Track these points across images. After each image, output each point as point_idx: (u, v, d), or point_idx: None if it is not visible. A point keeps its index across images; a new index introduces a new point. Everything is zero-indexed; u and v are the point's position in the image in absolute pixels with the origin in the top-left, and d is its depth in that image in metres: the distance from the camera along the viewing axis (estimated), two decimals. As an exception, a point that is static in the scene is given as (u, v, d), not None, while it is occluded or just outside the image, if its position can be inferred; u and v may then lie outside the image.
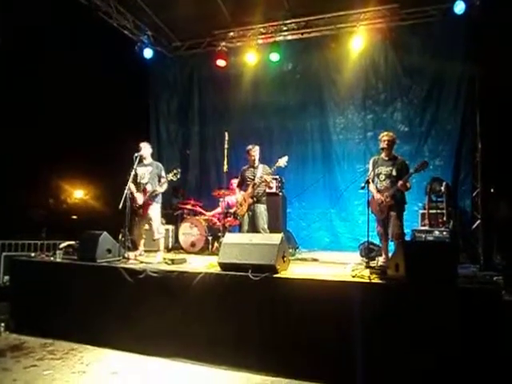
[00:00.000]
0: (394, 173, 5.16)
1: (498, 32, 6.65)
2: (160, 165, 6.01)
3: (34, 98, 10.64)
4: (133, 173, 5.72)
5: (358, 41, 7.91)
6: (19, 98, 10.11)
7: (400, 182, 5.01)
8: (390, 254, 5.07)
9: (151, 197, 5.77)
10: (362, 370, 3.66)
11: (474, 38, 7.12)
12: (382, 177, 5.24)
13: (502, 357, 3.36)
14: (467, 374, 3.41)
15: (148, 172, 5.86)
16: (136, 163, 5.74)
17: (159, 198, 5.95)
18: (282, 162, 5.83)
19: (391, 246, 5.36)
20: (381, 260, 5.28)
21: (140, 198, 5.76)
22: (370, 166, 5.40)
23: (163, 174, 5.85)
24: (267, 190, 6.28)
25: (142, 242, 6.03)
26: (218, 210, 7.55)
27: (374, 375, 3.66)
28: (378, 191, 5.23)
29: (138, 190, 5.81)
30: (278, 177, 7.57)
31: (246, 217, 6.01)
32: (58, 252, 5.57)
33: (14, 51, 9.39)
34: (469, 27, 7.19)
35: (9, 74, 9.27)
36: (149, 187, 5.78)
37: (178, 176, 5.76)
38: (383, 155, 5.33)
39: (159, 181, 5.84)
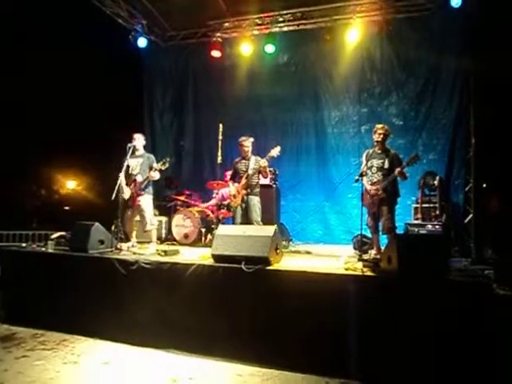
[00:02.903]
0: (386, 165, 5.19)
1: (494, 26, 6.65)
2: (152, 156, 5.98)
3: (25, 88, 10.52)
4: (125, 164, 5.69)
5: (354, 33, 7.87)
6: (10, 89, 9.99)
7: (397, 169, 5.03)
8: (382, 247, 5.11)
9: (142, 187, 5.74)
10: (355, 361, 3.69)
11: (470, 31, 7.12)
12: (374, 169, 5.27)
13: (494, 349, 3.39)
14: (460, 366, 3.44)
15: (139, 163, 5.84)
16: (129, 154, 5.71)
17: (150, 189, 5.92)
18: (275, 151, 5.80)
19: (383, 239, 5.40)
20: (373, 253, 5.32)
21: (127, 193, 5.73)
22: (363, 159, 5.42)
23: (155, 164, 5.82)
24: (261, 182, 6.26)
25: (134, 233, 6.00)
26: (213, 201, 7.53)
27: (367, 367, 3.68)
28: (371, 184, 5.26)
29: (128, 181, 5.79)
30: (272, 169, 7.55)
31: (239, 209, 5.99)
32: (49, 242, 5.52)
33: (3, 38, 9.27)
34: (465, 21, 7.17)
35: (4, 65, 9.16)
36: (139, 178, 5.76)
37: (167, 165, 5.74)
38: (376, 148, 5.35)
39: (150, 172, 5.81)
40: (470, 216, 7.20)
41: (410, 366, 3.56)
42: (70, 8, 8.79)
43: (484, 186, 7.88)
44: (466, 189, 7.36)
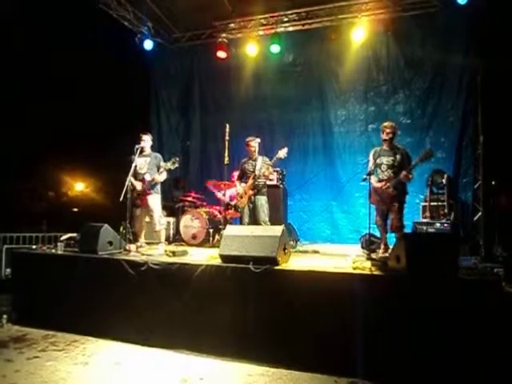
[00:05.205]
0: (396, 163, 5.13)
1: (501, 23, 6.59)
2: (159, 155, 6.02)
3: (35, 90, 10.62)
4: (133, 164, 5.73)
5: (360, 32, 7.85)
6: (20, 90, 10.09)
7: (403, 173, 4.95)
8: (390, 246, 5.09)
9: (150, 186, 5.77)
10: (363, 361, 3.68)
11: (477, 29, 7.07)
12: (384, 167, 5.20)
13: (504, 348, 3.37)
14: (468, 365, 3.42)
15: (146, 162, 5.88)
16: (136, 155, 5.75)
17: (159, 189, 5.95)
18: (282, 153, 5.81)
19: (391, 237, 5.38)
20: (380, 252, 5.29)
21: (139, 185, 5.78)
22: (371, 158, 5.37)
23: (162, 163, 5.84)
24: (268, 182, 6.27)
25: (143, 233, 6.04)
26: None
27: (375, 366, 3.68)
28: (380, 181, 5.21)
29: (136, 180, 5.83)
30: (279, 169, 7.56)
31: (246, 209, 6.01)
32: (59, 244, 5.58)
33: (15, 42, 9.36)
34: (472, 18, 7.12)
35: (9, 67, 9.26)
36: (147, 177, 5.79)
37: (177, 165, 5.75)
38: (384, 146, 5.31)
39: (158, 170, 5.84)
40: (479, 214, 7.15)
41: (419, 365, 3.55)
42: (76, 11, 8.85)
43: (493, 183, 7.82)
44: (475, 186, 7.31)
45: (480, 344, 3.42)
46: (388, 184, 5.10)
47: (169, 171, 5.88)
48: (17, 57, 9.82)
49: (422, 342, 3.56)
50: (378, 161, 5.24)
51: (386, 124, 5.34)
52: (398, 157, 5.15)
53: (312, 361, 3.85)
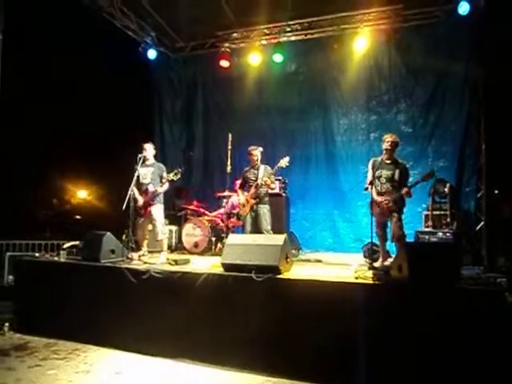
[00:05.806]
0: (396, 177, 5.13)
1: (502, 33, 6.63)
2: (162, 165, 6.04)
3: (37, 98, 10.69)
4: (136, 174, 5.76)
5: (362, 42, 7.89)
6: (22, 98, 10.15)
7: (405, 189, 4.99)
8: (392, 255, 5.08)
9: (153, 197, 5.79)
10: (365, 371, 3.66)
11: (478, 39, 7.10)
12: (383, 180, 5.19)
13: (505, 358, 3.35)
14: (470, 376, 3.40)
15: (150, 172, 5.90)
16: (139, 164, 5.79)
17: (161, 198, 5.96)
18: (284, 162, 5.83)
19: (392, 247, 5.38)
20: (380, 260, 5.28)
21: (140, 200, 5.79)
22: (370, 168, 5.36)
23: (165, 174, 5.87)
24: (270, 191, 6.29)
25: (146, 242, 6.05)
26: (222, 210, 7.55)
27: (377, 377, 3.66)
28: (379, 194, 5.20)
29: (139, 191, 5.85)
30: (281, 178, 7.56)
31: (248, 218, 6.01)
32: (61, 252, 5.60)
33: (18, 51, 9.43)
34: (473, 28, 7.16)
35: (12, 74, 9.32)
36: (150, 187, 5.81)
37: (179, 176, 5.77)
38: (385, 158, 5.28)
39: (161, 181, 5.86)
40: (482, 223, 7.12)
41: (421, 375, 3.53)
42: (79, 19, 8.91)
43: (496, 192, 7.81)
44: (478, 196, 7.29)
45: (483, 354, 3.40)
46: (388, 198, 5.09)
47: (171, 182, 5.90)
48: (18, 59, 9.86)
49: (425, 351, 3.54)
50: (377, 173, 5.23)
51: (386, 135, 5.36)
52: (397, 171, 5.16)
53: (314, 370, 3.84)
